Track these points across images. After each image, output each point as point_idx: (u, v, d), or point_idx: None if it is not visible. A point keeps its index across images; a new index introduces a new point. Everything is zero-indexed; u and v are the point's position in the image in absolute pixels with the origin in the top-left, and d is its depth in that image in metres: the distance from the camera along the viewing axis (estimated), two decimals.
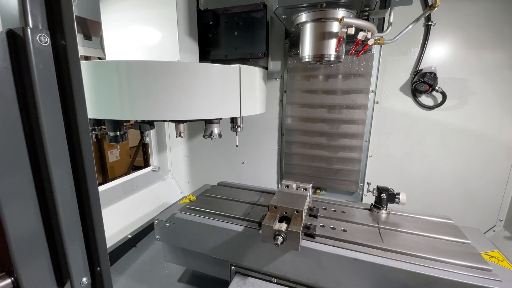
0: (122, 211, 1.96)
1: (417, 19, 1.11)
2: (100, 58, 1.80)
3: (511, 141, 1.51)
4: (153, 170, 2.36)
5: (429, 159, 1.69)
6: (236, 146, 1.35)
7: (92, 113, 0.98)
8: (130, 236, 1.85)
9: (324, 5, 0.95)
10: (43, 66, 0.52)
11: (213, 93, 1.04)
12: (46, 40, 0.52)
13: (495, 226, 1.64)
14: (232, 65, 1.07)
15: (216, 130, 1.17)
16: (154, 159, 2.39)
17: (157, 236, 1.35)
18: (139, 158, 4.70)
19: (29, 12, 0.51)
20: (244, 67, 1.10)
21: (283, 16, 1.07)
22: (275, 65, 1.85)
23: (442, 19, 1.46)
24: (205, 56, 1.53)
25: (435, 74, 1.50)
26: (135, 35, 1.32)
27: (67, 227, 0.59)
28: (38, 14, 0.51)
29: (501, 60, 1.44)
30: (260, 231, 1.12)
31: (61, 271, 0.61)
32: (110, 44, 1.39)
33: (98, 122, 1.09)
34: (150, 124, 1.07)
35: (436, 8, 0.99)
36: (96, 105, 0.97)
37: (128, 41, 1.33)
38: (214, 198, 1.49)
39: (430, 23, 1.47)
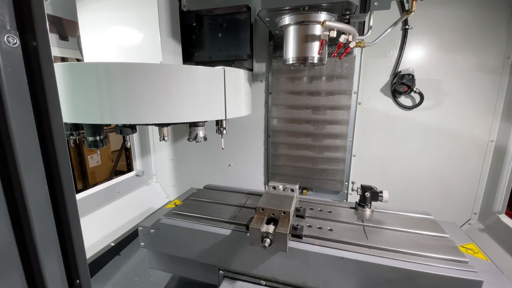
0: (104, 218, 1.88)
1: (395, 23, 1.15)
2: (78, 60, 1.73)
3: (483, 139, 1.60)
4: (136, 175, 2.29)
5: (409, 157, 1.76)
6: (222, 148, 1.34)
7: (69, 117, 0.93)
8: (113, 244, 1.78)
9: (307, 8, 0.97)
10: (11, 69, 0.49)
11: (197, 96, 1.02)
12: (15, 41, 0.49)
13: (470, 219, 1.73)
14: (216, 67, 1.06)
15: (201, 133, 1.15)
16: (137, 163, 2.32)
17: (142, 243, 1.31)
18: (121, 162, 4.55)
19: None
20: (228, 69, 1.10)
21: (266, 19, 1.08)
22: (259, 66, 1.86)
23: (418, 24, 1.53)
24: (188, 57, 1.51)
25: (413, 76, 1.56)
26: (115, 36, 1.28)
27: (42, 238, 0.56)
28: (5, 13, 0.48)
29: (473, 63, 1.52)
30: (248, 234, 1.11)
31: (36, 286, 0.58)
32: (88, 45, 1.34)
33: (76, 127, 1.05)
34: (132, 128, 1.03)
35: (413, 13, 1.03)
36: (73, 109, 0.92)
37: (108, 42, 1.29)
38: (200, 202, 1.47)
39: (407, 27, 1.54)
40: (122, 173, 4.48)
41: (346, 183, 1.90)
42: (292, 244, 1.06)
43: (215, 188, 1.70)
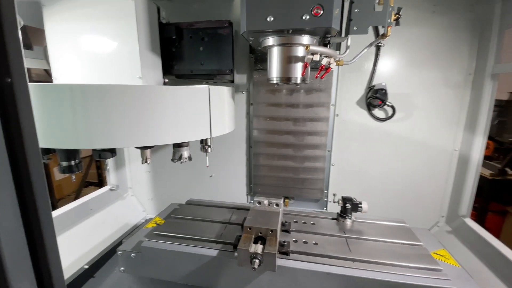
0: (76, 239, 1.75)
1: (371, 44, 1.22)
2: (45, 70, 1.60)
3: (448, 148, 1.75)
4: (111, 189, 2.16)
5: (383, 165, 1.86)
6: (207, 166, 1.32)
7: (41, 142, 0.86)
8: (86, 267, 1.66)
9: (290, 31, 0.99)
10: None
11: (182, 116, 1.00)
12: None
13: (438, 222, 1.87)
14: (200, 87, 1.04)
15: (185, 154, 1.12)
16: (111, 177, 2.20)
17: (122, 268, 1.24)
18: (92, 171, 4.27)
19: None
20: (213, 88, 1.08)
21: (250, 38, 1.08)
22: (240, 78, 1.86)
23: (389, 41, 1.62)
24: (168, 71, 1.47)
25: (385, 91, 1.66)
26: (89, 48, 1.20)
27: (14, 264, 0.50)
28: None
29: (439, 78, 1.65)
30: (236, 254, 1.10)
31: None
32: (57, 57, 1.24)
33: (47, 151, 0.96)
34: (112, 151, 0.98)
35: (388, 37, 1.10)
36: (46, 133, 0.85)
37: (81, 55, 1.21)
38: (183, 220, 1.43)
39: (380, 44, 1.63)
40: (92, 184, 4.21)
41: (326, 191, 1.96)
42: (280, 261, 1.07)
43: (198, 203, 1.67)
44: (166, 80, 1.48)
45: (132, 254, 1.21)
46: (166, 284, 1.29)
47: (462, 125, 1.70)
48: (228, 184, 2.13)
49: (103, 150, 0.95)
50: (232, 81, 1.82)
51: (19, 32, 0.46)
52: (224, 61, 1.39)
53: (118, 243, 1.90)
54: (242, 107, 1.92)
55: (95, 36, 1.19)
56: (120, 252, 1.23)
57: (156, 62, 1.36)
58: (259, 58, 1.73)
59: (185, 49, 1.43)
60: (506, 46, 1.49)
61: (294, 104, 1.81)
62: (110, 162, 2.19)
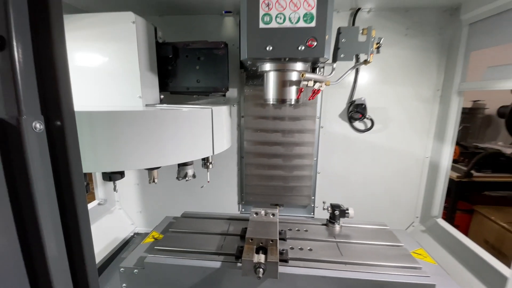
0: None
1: (353, 67, 1.36)
2: None
3: (420, 155, 1.95)
4: (99, 204, 2.13)
5: (364, 172, 2.03)
6: (208, 182, 1.37)
7: None
8: None
9: (287, 59, 1.09)
10: (39, 152, 0.48)
11: (188, 137, 1.06)
12: (41, 126, 0.49)
13: (413, 222, 2.07)
14: (204, 109, 1.11)
15: (190, 172, 1.18)
16: (99, 191, 2.16)
17: (124, 285, 1.25)
18: None
19: (21, 99, 0.47)
20: (215, 108, 1.15)
21: (248, 62, 1.17)
22: (232, 92, 1.94)
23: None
24: (164, 88, 1.51)
25: (365, 105, 1.83)
26: (90, 68, 1.22)
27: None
28: (34, 101, 0.48)
29: (411, 94, 1.85)
30: (238, 264, 1.18)
31: None
32: None
33: None
34: (121, 173, 1.01)
35: (370, 63, 1.24)
36: None
37: (82, 75, 1.22)
38: (182, 234, 1.46)
39: (360, 61, 1.79)
40: None
41: (313, 198, 2.09)
42: (281, 269, 1.15)
43: (193, 215, 1.71)
44: (162, 96, 1.52)
45: (135, 270, 1.23)
46: None
47: (432, 135, 1.91)
48: (220, 194, 2.18)
49: (113, 172, 0.98)
50: (224, 95, 1.89)
51: (70, 81, 0.51)
52: (220, 79, 1.46)
53: (108, 259, 1.88)
54: (233, 119, 2.00)
55: (97, 56, 1.21)
56: (122, 269, 1.24)
57: (153, 81, 1.40)
58: (250, 75, 1.82)
59: (181, 67, 1.48)
60: (471, 66, 1.70)
61: (283, 117, 1.92)
62: (98, 176, 2.15)
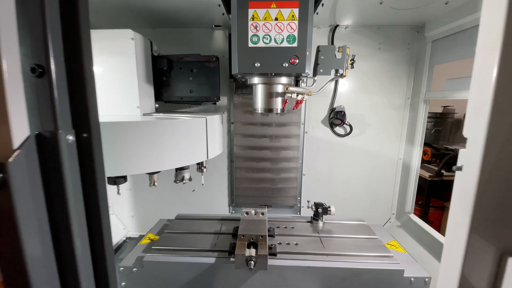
0: None
1: (332, 80, 1.52)
2: None
3: (394, 157, 2.15)
4: None
5: (344, 173, 2.20)
6: (202, 184, 1.48)
7: None
8: None
9: (273, 74, 1.24)
10: (70, 161, 0.59)
11: (184, 144, 1.17)
12: (72, 138, 0.59)
13: (390, 218, 2.26)
14: (200, 117, 1.23)
15: (187, 175, 1.29)
16: None
17: (123, 283, 1.33)
18: None
19: (58, 116, 0.57)
20: (209, 117, 1.27)
21: (238, 76, 1.30)
22: (222, 99, 2.06)
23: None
24: (159, 97, 1.61)
25: (344, 112, 2.01)
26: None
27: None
28: (67, 116, 0.59)
29: (385, 102, 2.05)
30: (231, 259, 1.29)
31: None
32: None
33: None
34: (124, 177, 1.10)
35: (345, 76, 1.41)
36: None
37: None
38: (177, 234, 1.56)
39: (338, 74, 1.97)
40: None
41: (299, 198, 2.24)
42: (270, 261, 1.28)
43: (187, 217, 1.80)
44: (157, 105, 1.62)
45: (134, 269, 1.31)
46: None
47: (404, 139, 2.11)
48: (211, 197, 2.28)
49: (117, 177, 1.08)
50: (215, 103, 2.02)
51: (97, 98, 0.63)
52: (212, 90, 1.58)
53: None
54: (224, 125, 2.12)
55: (98, 69, 1.30)
56: (121, 268, 1.32)
57: (150, 91, 1.50)
58: (239, 85, 1.95)
59: (175, 78, 1.59)
60: (435, 78, 1.92)
61: (270, 123, 2.06)
62: None
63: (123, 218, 2.40)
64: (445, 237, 0.58)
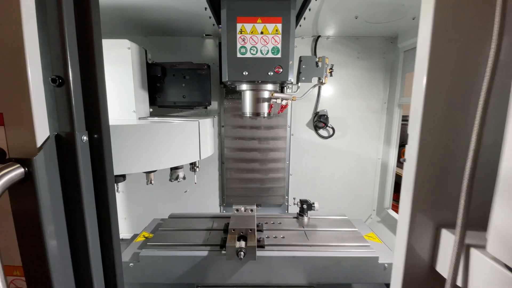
0: None
1: (314, 86, 1.67)
2: None
3: (374, 157, 2.32)
4: None
5: (328, 173, 2.35)
6: (195, 183, 1.58)
7: None
8: None
9: (260, 81, 1.37)
10: (84, 159, 0.69)
11: (179, 145, 1.27)
12: (86, 138, 0.70)
13: (371, 214, 2.42)
14: (193, 121, 1.34)
15: (181, 174, 1.39)
16: None
17: None
18: None
19: (75, 120, 0.67)
20: (201, 121, 1.39)
21: (228, 83, 1.42)
22: (213, 104, 2.17)
23: (329, 79, 2.14)
24: (153, 102, 1.71)
25: (327, 116, 2.16)
26: None
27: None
28: (81, 119, 0.69)
29: (364, 106, 2.22)
30: (223, 252, 1.40)
31: None
32: None
33: None
34: (123, 176, 1.19)
35: (325, 84, 1.56)
36: None
37: None
38: (171, 231, 1.65)
39: (320, 81, 2.13)
40: None
41: (287, 197, 2.37)
42: (258, 253, 1.39)
43: (180, 216, 1.89)
44: (151, 109, 1.71)
45: (131, 264, 1.39)
46: (162, 286, 1.49)
47: (382, 140, 2.29)
48: (202, 198, 2.38)
49: (116, 175, 1.16)
50: (206, 108, 2.13)
51: (107, 103, 0.73)
52: (203, 95, 1.69)
53: None
54: (214, 129, 2.22)
55: None
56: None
57: (145, 96, 1.60)
58: (229, 90, 2.07)
59: (169, 85, 1.69)
60: (407, 85, 2.11)
61: (259, 126, 2.19)
62: None
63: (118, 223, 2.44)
64: (398, 215, 0.72)
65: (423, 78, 0.60)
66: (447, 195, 0.65)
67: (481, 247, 0.57)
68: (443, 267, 0.65)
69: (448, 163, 0.63)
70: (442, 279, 0.62)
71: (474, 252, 0.57)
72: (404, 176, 0.69)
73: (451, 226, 0.64)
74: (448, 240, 0.63)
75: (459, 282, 0.61)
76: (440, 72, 0.61)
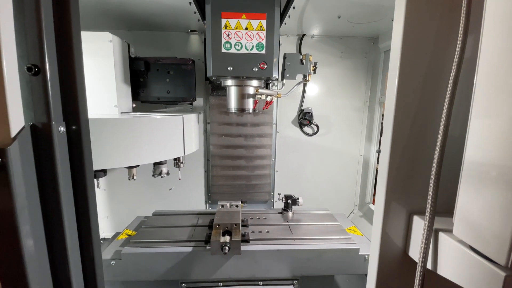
0: None
1: (298, 84, 1.70)
2: None
3: (356, 154, 2.39)
4: None
5: (313, 169, 2.40)
6: (179, 179, 1.57)
7: None
8: None
9: (244, 77, 1.37)
10: (61, 150, 0.67)
11: (162, 140, 1.26)
12: (63, 129, 0.68)
13: (354, 209, 2.50)
14: (176, 116, 1.33)
15: (164, 169, 1.37)
16: None
17: None
18: None
19: (51, 110, 0.65)
20: (185, 116, 1.38)
21: (213, 78, 1.42)
22: (198, 101, 2.16)
23: (313, 77, 2.17)
24: (136, 97, 1.67)
25: (311, 113, 2.21)
26: None
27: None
28: (59, 110, 0.67)
29: (347, 104, 2.28)
30: (207, 247, 1.39)
31: None
32: None
33: None
34: (104, 171, 1.16)
35: (309, 81, 1.59)
36: None
37: None
38: (154, 228, 1.62)
39: (305, 79, 2.17)
40: None
41: (272, 193, 2.39)
42: (243, 247, 1.40)
43: (164, 213, 1.87)
44: (134, 105, 1.68)
45: (112, 262, 1.36)
46: (143, 285, 1.47)
47: (364, 137, 2.36)
48: (188, 195, 2.36)
49: (97, 170, 1.13)
50: (191, 104, 2.11)
51: (86, 94, 0.71)
52: (188, 91, 1.68)
53: None
54: (200, 125, 2.21)
55: None
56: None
57: (127, 91, 1.56)
58: (215, 87, 2.06)
59: (152, 79, 1.67)
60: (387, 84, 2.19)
61: (245, 123, 2.20)
62: None
63: (98, 219, 2.37)
64: (374, 204, 0.75)
65: (396, 76, 0.63)
66: (418, 184, 0.69)
67: (449, 231, 0.61)
68: (415, 251, 0.69)
69: (419, 154, 0.67)
70: (415, 264, 0.66)
71: (442, 236, 0.61)
72: (379, 166, 0.72)
73: (422, 213, 0.68)
74: (419, 226, 0.67)
75: (429, 266, 0.65)
76: (411, 68, 0.65)
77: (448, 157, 0.62)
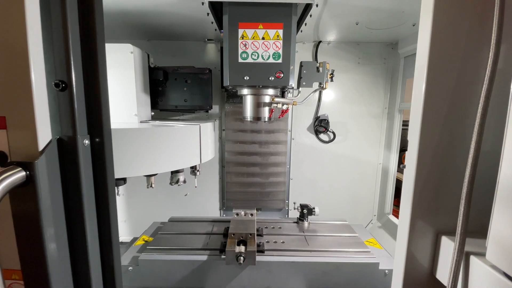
0: None
1: (315, 91, 1.68)
2: None
3: (374, 162, 2.31)
4: None
5: (328, 177, 2.35)
6: (195, 187, 1.59)
7: None
8: None
9: (260, 86, 1.37)
10: (85, 162, 0.69)
11: (179, 149, 1.28)
12: (88, 142, 0.70)
13: (372, 219, 2.41)
14: (194, 124, 1.34)
15: (181, 178, 1.39)
16: None
17: None
18: None
19: (77, 124, 0.68)
20: (202, 125, 1.39)
21: (229, 87, 1.43)
22: (214, 108, 2.18)
23: (329, 84, 2.15)
24: (155, 106, 1.72)
25: (328, 120, 2.17)
26: None
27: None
28: (84, 123, 0.70)
29: (365, 111, 2.23)
30: (222, 256, 1.39)
31: None
32: None
33: None
34: (124, 179, 1.20)
35: (326, 89, 1.57)
36: None
37: None
38: (171, 235, 1.64)
39: (321, 86, 2.14)
40: None
41: (287, 201, 2.36)
42: (258, 258, 1.39)
43: (179, 220, 1.89)
44: (153, 113, 1.72)
45: (130, 268, 1.39)
46: None
47: (382, 145, 2.29)
48: (202, 201, 2.37)
49: (117, 179, 1.17)
50: (207, 112, 2.14)
51: (109, 108, 0.74)
52: (205, 99, 1.70)
53: None
54: (215, 132, 2.23)
55: None
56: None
57: (146, 100, 1.61)
58: (230, 94, 2.08)
59: (170, 88, 1.70)
60: (407, 90, 2.12)
61: (260, 130, 2.20)
62: None
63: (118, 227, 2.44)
64: (398, 221, 0.72)
65: (423, 84, 0.60)
66: (446, 202, 0.65)
67: (481, 254, 0.57)
68: (443, 274, 0.65)
69: (447, 170, 0.63)
70: (442, 286, 0.62)
71: (473, 259, 0.57)
72: (404, 182, 0.69)
73: (451, 233, 0.64)
74: (448, 247, 0.63)
75: None
76: (439, 78, 0.61)
77: (479, 174, 0.58)
